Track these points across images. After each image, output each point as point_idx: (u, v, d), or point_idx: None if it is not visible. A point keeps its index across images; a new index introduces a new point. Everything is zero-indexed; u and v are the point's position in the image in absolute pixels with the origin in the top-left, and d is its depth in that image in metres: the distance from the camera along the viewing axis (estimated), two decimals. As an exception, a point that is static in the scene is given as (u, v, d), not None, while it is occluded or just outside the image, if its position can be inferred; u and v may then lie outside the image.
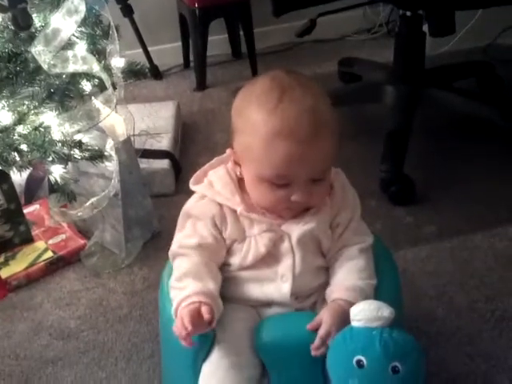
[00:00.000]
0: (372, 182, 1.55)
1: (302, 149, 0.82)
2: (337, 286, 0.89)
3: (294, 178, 0.85)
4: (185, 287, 0.86)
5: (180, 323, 0.81)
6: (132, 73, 1.41)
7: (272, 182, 0.86)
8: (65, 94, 1.21)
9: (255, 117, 0.84)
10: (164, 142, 1.68)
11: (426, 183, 1.57)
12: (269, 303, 0.91)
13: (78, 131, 1.19)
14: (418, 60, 1.74)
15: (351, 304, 0.85)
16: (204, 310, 0.81)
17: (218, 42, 2.31)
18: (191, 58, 2.30)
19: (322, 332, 0.83)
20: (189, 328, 0.80)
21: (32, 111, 1.18)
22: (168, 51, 2.34)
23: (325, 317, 0.84)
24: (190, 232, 0.91)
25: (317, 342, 0.82)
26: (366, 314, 0.79)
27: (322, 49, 2.40)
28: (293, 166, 0.83)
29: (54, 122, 1.20)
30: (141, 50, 2.19)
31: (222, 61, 2.36)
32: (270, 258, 0.90)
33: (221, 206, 0.90)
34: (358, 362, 0.77)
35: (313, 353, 0.82)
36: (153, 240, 1.44)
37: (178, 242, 0.92)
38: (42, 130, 1.18)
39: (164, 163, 1.61)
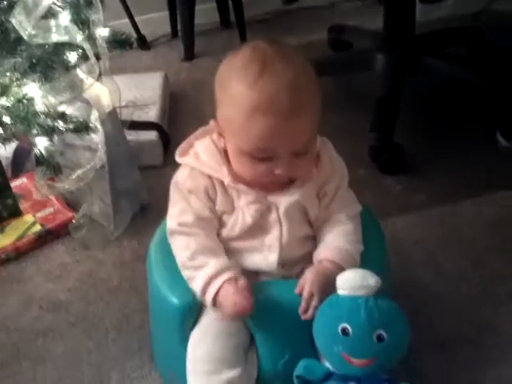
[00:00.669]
0: (361, 150, 1.54)
1: (281, 123, 0.81)
2: (323, 248, 0.90)
3: (275, 152, 0.84)
4: (203, 265, 0.86)
5: (238, 299, 0.82)
6: (117, 43, 1.38)
7: (253, 155, 0.85)
8: (48, 64, 1.18)
9: (235, 90, 0.83)
10: (152, 113, 1.66)
11: (415, 151, 1.56)
12: (256, 272, 0.91)
13: (62, 102, 1.17)
14: (408, 26, 1.71)
15: (337, 264, 0.86)
16: (245, 284, 0.83)
17: (205, 10, 2.27)
18: (179, 27, 2.26)
19: (305, 294, 0.83)
20: (250, 300, 0.82)
21: (15, 83, 1.16)
22: (155, 20, 2.29)
23: (308, 278, 0.85)
24: (185, 207, 0.90)
25: (302, 304, 0.83)
26: (351, 282, 0.80)
27: (311, 16, 2.36)
28: (272, 140, 0.83)
29: (37, 94, 1.18)
30: (127, 20, 2.15)
31: (211, 30, 2.32)
32: (256, 228, 0.90)
33: (210, 177, 0.90)
34: (343, 330, 0.78)
35: (302, 317, 0.83)
36: (142, 212, 1.43)
37: (175, 218, 0.91)
38: (26, 101, 1.16)
39: (152, 134, 1.59)
